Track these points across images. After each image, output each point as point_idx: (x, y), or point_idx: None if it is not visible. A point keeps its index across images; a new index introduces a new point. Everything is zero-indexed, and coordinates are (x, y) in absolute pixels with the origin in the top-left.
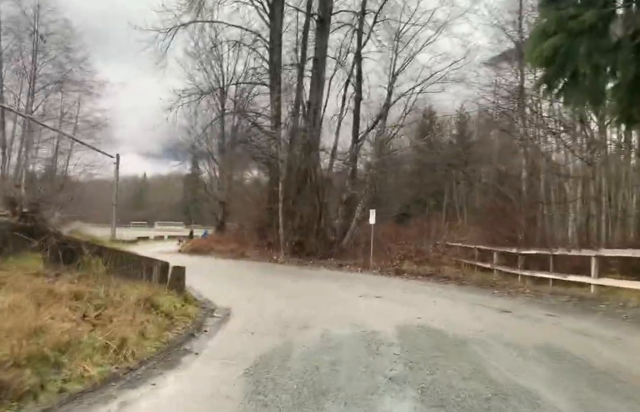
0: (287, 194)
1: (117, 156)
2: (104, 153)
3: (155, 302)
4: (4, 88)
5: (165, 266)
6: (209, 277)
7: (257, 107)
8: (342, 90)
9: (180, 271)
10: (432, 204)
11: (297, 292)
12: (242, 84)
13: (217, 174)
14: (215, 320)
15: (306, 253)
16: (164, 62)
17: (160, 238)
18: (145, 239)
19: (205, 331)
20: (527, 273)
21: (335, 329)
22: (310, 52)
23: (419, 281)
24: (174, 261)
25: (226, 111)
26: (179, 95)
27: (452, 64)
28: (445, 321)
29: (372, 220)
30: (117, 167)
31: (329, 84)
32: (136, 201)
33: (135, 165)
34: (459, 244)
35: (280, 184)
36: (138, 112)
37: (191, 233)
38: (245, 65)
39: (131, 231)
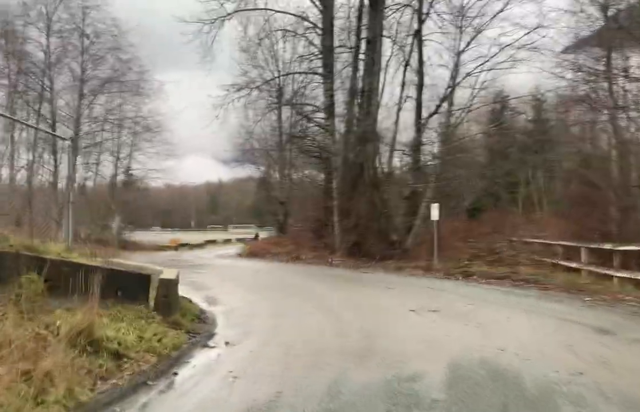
0: (342, 190)
1: (71, 139)
2: (54, 134)
3: (99, 335)
4: (54, 91)
5: (146, 279)
6: (243, 285)
7: (314, 99)
8: (401, 75)
9: (168, 285)
10: (507, 196)
11: (337, 304)
12: (292, 74)
13: (278, 173)
14: (202, 355)
15: (364, 254)
16: (211, 56)
17: (229, 241)
18: (213, 242)
19: (174, 375)
20: (625, 274)
21: (358, 370)
22: (365, 35)
23: (490, 286)
24: (224, 265)
25: (275, 103)
26: (227, 90)
27: (526, 34)
28: (521, 353)
29: (434, 216)
30: (70, 152)
31: (386, 67)
32: (212, 205)
33: (212, 170)
34: (539, 240)
35: (334, 180)
36: (195, 112)
37: (256, 235)
38: (294, 53)
39: (203, 234)
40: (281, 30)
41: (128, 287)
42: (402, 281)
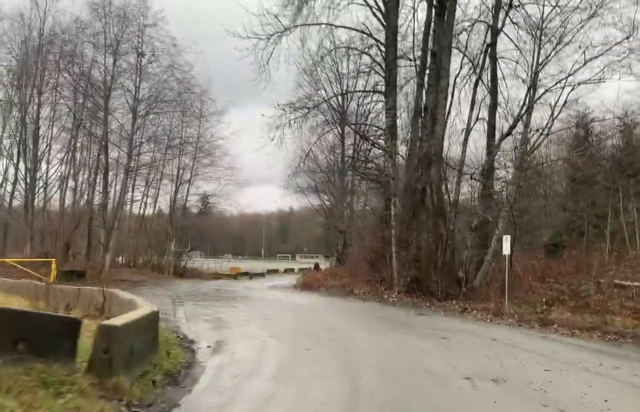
0: (402, 218)
1: None
2: None
3: None
4: (110, 112)
5: (73, 326)
6: (271, 326)
7: (376, 120)
8: (471, 92)
9: (110, 336)
10: (592, 231)
11: (372, 363)
12: (352, 93)
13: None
14: None
15: (424, 292)
16: (267, 74)
17: (291, 271)
18: (275, 271)
19: None
20: None
21: None
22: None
23: (574, 339)
24: (268, 299)
25: (331, 123)
26: (283, 110)
27: (616, 44)
28: None
29: (506, 250)
30: None
31: (454, 84)
32: (282, 234)
33: (284, 198)
34: (635, 284)
35: (392, 207)
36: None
37: (316, 265)
38: (356, 71)
39: (269, 263)
40: (343, 47)
41: (40, 338)
42: (464, 329)
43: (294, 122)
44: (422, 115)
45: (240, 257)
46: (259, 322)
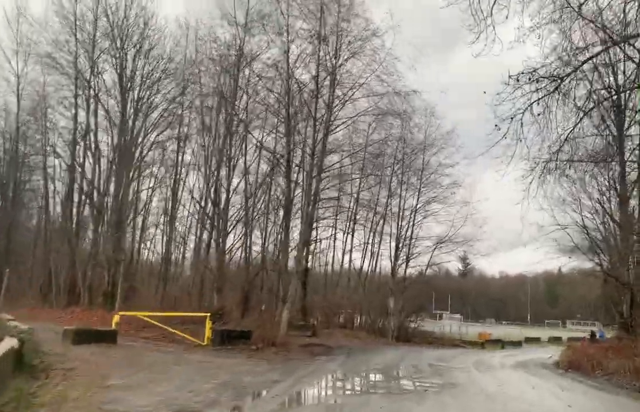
0: None
1: None
2: None
3: None
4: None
5: None
6: None
7: None
8: None
9: None
10: None
11: None
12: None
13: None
14: None
15: None
16: (490, 27)
17: (557, 340)
18: (536, 340)
19: None
20: None
21: None
22: None
23: None
24: (492, 392)
25: (597, 93)
26: (517, 80)
27: None
28: None
29: None
30: None
31: None
32: (550, 297)
33: (552, 257)
34: None
35: None
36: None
37: (592, 335)
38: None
39: (534, 330)
40: None
41: None
42: None
43: (537, 104)
44: None
45: (503, 322)
46: None
